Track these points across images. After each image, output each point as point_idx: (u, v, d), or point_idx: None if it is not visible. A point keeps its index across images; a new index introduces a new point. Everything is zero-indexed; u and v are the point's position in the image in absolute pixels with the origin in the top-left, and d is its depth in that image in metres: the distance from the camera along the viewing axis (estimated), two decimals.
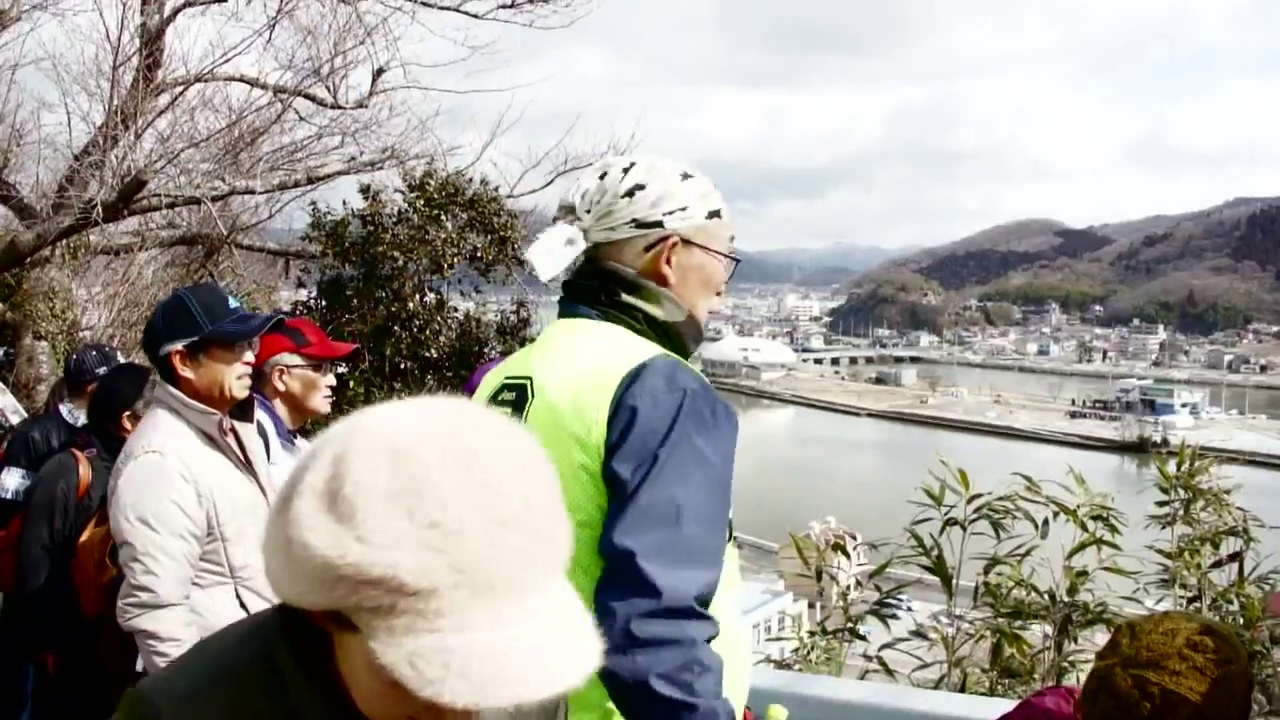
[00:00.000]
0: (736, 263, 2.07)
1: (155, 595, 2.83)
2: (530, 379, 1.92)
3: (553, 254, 1.92)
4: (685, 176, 2.00)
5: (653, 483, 1.69)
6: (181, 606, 2.87)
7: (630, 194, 1.94)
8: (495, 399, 1.98)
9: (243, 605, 3.04)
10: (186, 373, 3.04)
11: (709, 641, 1.69)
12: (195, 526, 2.93)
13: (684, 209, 1.97)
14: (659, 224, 1.95)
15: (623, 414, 1.74)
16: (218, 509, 2.99)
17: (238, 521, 3.04)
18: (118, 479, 2.96)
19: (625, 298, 1.93)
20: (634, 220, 1.94)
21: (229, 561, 3.02)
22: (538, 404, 1.86)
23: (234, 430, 3.15)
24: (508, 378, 2.00)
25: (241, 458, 3.15)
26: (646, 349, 1.86)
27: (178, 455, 2.95)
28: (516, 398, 1.93)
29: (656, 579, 1.64)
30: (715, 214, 2.01)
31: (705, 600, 1.71)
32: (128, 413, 3.79)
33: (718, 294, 2.08)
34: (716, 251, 2.02)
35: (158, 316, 3.12)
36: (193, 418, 3.04)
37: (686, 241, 1.97)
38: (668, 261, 1.96)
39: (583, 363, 1.86)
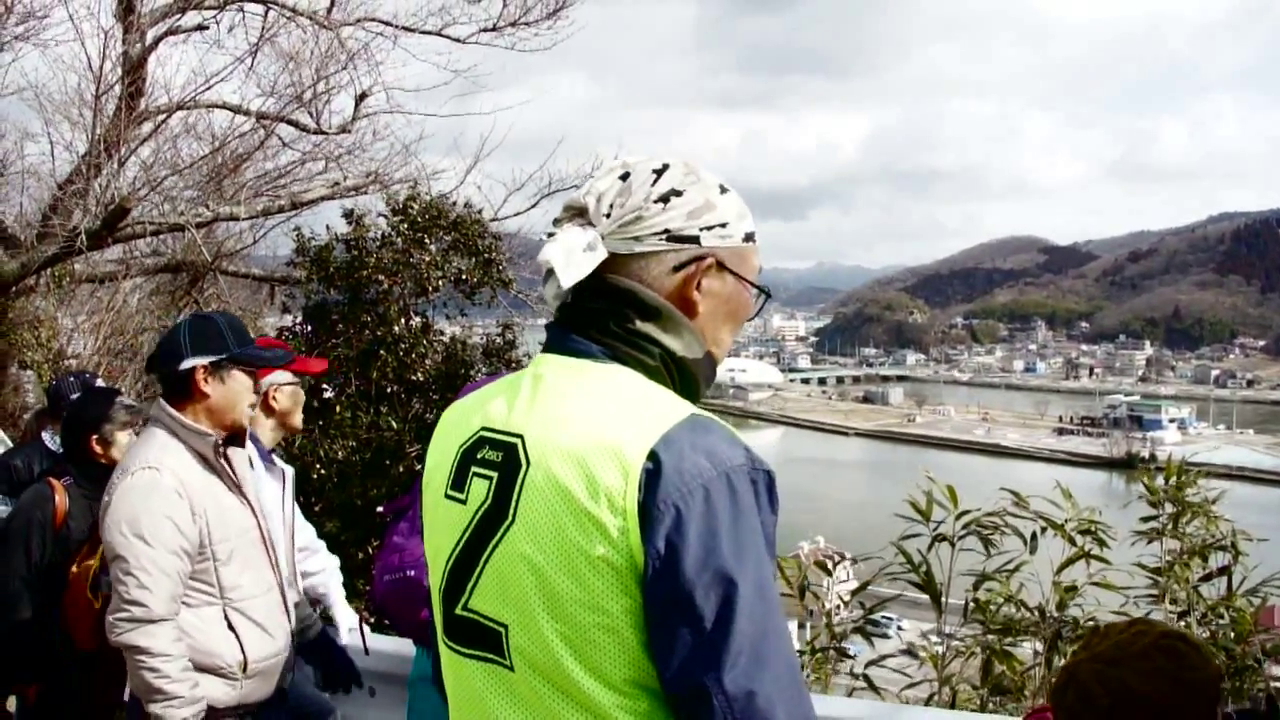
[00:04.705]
0: (767, 296, 1.74)
1: (148, 610, 2.83)
2: (521, 438, 1.54)
3: (572, 258, 1.56)
4: (723, 189, 1.68)
5: (740, 612, 1.39)
6: (171, 622, 2.88)
7: (665, 199, 1.60)
8: (471, 455, 1.61)
9: (231, 627, 3.03)
10: (208, 389, 3.07)
11: None
12: (188, 543, 2.94)
13: (724, 225, 1.64)
14: (695, 240, 1.62)
15: (663, 514, 1.41)
16: (210, 528, 2.99)
17: (230, 542, 3.05)
18: (112, 494, 2.96)
19: (640, 325, 1.59)
20: (666, 231, 1.60)
21: (219, 582, 3.02)
22: (537, 478, 1.49)
23: (226, 454, 3.16)
24: (487, 429, 1.61)
25: (234, 480, 3.16)
26: (667, 407, 1.52)
27: (173, 472, 2.97)
28: (504, 461, 1.54)
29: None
30: (750, 237, 1.69)
31: None
32: (95, 436, 3.79)
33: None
34: (749, 281, 1.69)
35: (182, 332, 3.14)
36: (189, 439, 3.06)
37: (720, 265, 1.65)
38: (698, 286, 1.63)
39: (591, 426, 1.49)
